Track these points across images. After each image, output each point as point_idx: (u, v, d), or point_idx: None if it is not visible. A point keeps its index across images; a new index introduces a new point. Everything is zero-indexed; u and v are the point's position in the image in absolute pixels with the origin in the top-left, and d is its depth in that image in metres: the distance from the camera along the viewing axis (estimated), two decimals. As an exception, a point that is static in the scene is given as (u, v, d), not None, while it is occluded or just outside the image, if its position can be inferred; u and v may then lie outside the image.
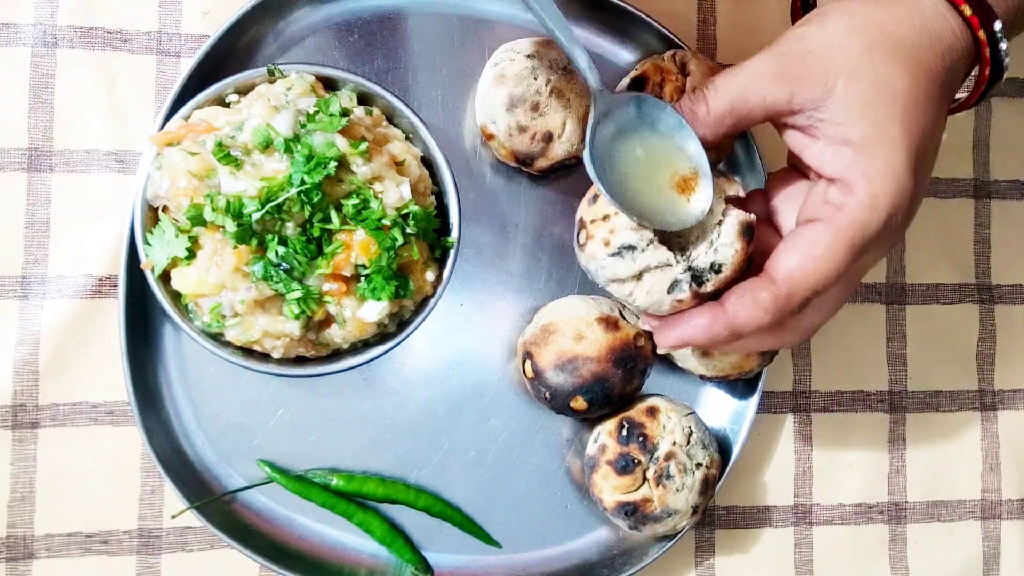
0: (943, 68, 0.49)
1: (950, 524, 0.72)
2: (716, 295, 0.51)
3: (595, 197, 0.52)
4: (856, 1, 0.50)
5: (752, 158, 0.66)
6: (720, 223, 0.50)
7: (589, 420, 0.64)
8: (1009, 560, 0.73)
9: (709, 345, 0.52)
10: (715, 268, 0.50)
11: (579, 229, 0.53)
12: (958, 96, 0.53)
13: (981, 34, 0.49)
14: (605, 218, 0.51)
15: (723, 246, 0.50)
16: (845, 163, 0.47)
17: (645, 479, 0.60)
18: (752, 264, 0.52)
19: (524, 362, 0.61)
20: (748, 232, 0.51)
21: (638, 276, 0.51)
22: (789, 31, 0.50)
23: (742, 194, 0.52)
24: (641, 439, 0.60)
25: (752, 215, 0.51)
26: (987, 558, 0.72)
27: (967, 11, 0.49)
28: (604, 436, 0.62)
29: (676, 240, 0.52)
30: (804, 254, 0.47)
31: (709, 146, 0.51)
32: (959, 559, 0.72)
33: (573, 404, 0.60)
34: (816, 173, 0.49)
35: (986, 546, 0.73)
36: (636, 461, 0.60)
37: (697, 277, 0.50)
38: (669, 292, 0.50)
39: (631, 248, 0.50)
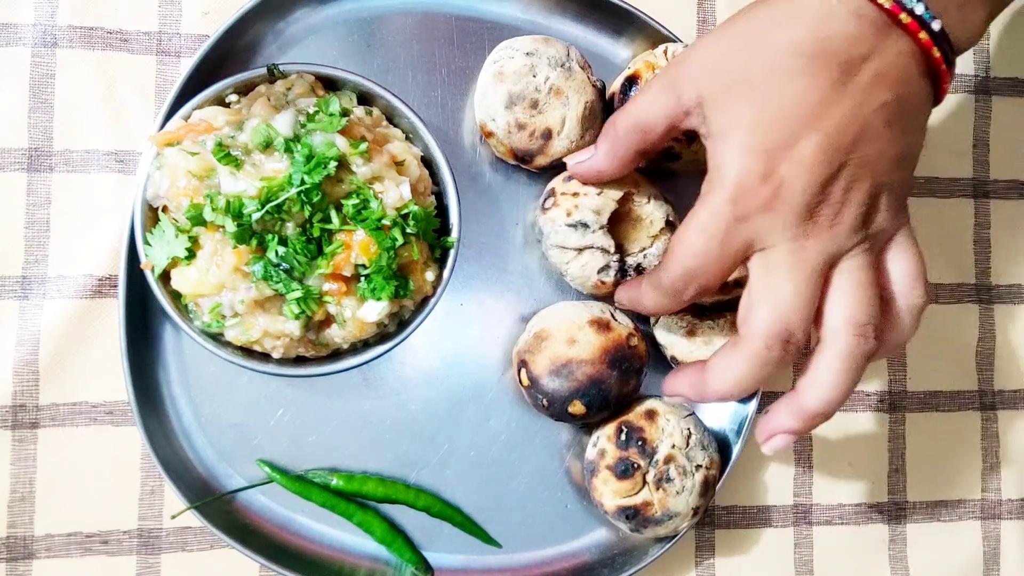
0: (809, 38, 0.45)
1: (950, 524, 0.72)
2: None
3: (570, 177, 0.60)
4: None
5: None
6: (655, 237, 0.62)
7: (588, 425, 0.64)
8: (1009, 560, 0.73)
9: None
10: (639, 270, 0.61)
11: (548, 196, 0.61)
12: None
13: None
14: (575, 195, 0.59)
15: (650, 254, 0.61)
16: (711, 157, 0.48)
17: (645, 483, 0.60)
18: None
19: (519, 371, 0.61)
20: None
21: (580, 250, 0.60)
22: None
23: (675, 220, 0.61)
24: (640, 443, 0.60)
25: None
26: (987, 558, 0.72)
27: None
28: (603, 441, 0.62)
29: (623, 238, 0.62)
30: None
31: (625, 168, 0.56)
32: (959, 559, 0.72)
33: (571, 409, 0.59)
34: None
35: (986, 546, 0.73)
36: (636, 465, 0.60)
37: (623, 270, 0.61)
38: (598, 272, 0.60)
39: (585, 225, 0.59)
